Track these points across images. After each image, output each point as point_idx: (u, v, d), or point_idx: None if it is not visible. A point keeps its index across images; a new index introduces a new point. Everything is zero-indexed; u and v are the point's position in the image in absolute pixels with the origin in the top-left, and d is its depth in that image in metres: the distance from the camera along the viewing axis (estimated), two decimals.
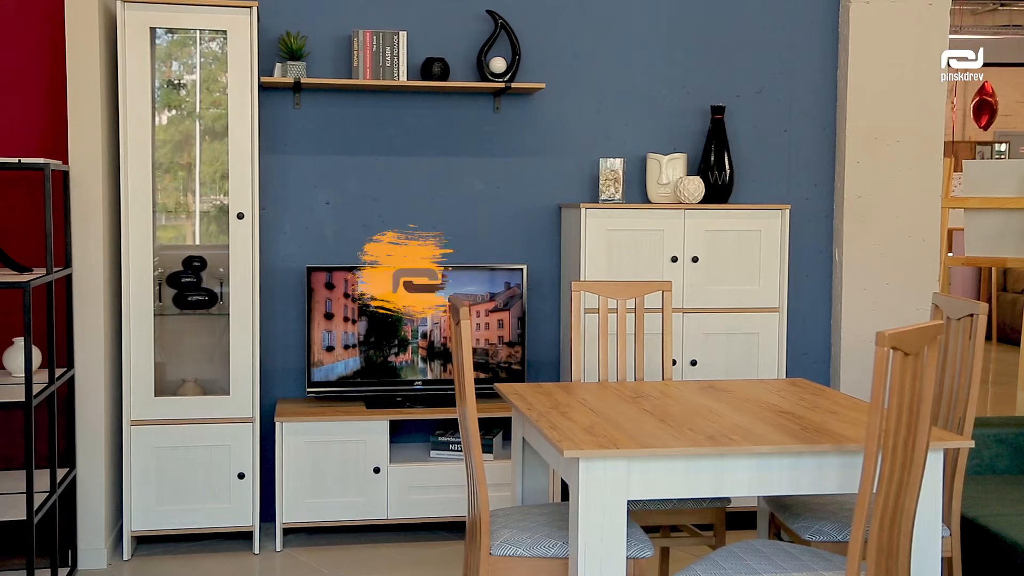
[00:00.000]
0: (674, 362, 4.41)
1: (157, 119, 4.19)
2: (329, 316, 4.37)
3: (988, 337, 10.42)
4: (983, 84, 11.35)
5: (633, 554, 2.80)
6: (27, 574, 3.45)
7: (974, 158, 13.27)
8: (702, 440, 2.68)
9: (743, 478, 2.67)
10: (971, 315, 3.09)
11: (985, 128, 11.58)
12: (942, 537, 3.03)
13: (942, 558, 3.05)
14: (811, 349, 4.85)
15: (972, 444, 2.78)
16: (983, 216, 5.84)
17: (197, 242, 4.36)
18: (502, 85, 4.44)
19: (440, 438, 4.41)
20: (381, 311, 4.42)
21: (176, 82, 4.23)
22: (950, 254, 8.19)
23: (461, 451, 4.36)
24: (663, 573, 3.75)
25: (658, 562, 3.77)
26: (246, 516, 4.22)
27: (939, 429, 2.84)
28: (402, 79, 4.38)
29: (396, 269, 4.45)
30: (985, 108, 11.24)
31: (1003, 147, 13.47)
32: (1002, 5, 12.73)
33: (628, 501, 3.24)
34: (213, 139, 4.28)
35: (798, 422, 2.89)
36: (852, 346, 4.75)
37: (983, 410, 7.23)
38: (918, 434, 2.46)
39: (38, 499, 3.53)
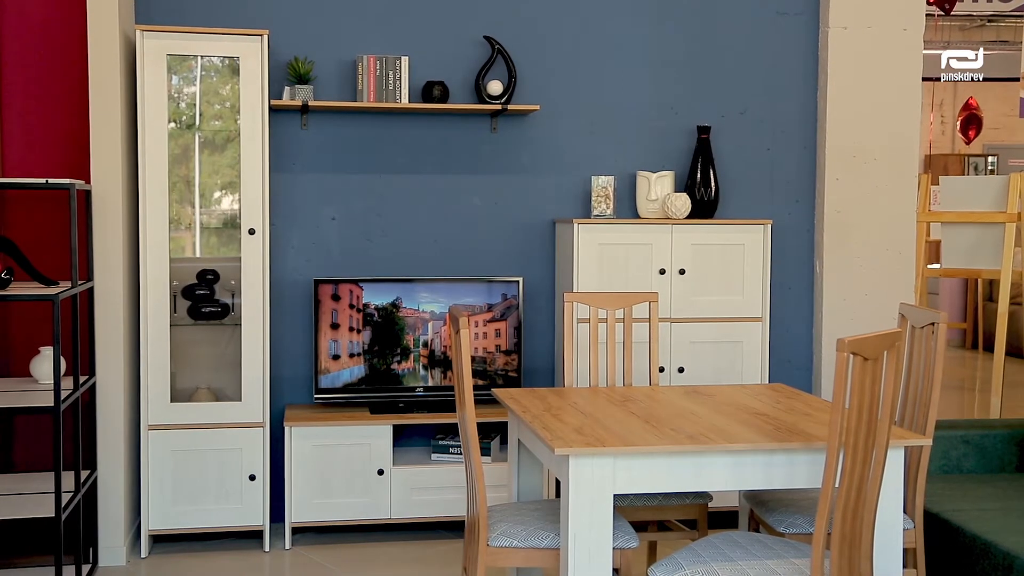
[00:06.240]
0: (662, 369, 4.64)
1: (172, 140, 4.43)
2: (335, 326, 4.60)
3: (974, 346, 10.64)
4: (968, 100, 11.59)
5: (619, 545, 3.03)
6: (55, 571, 3.67)
7: (964, 171, 13.50)
8: (683, 439, 2.90)
9: (720, 473, 2.89)
10: (932, 324, 3.32)
11: (968, 143, 11.82)
12: (905, 529, 3.27)
13: (905, 549, 3.29)
14: (794, 357, 5.08)
15: (929, 442, 3.01)
16: (959, 229, 6.08)
17: (209, 255, 4.58)
18: (499, 107, 4.67)
19: (440, 441, 4.62)
20: (384, 321, 4.64)
21: (179, 95, 4.46)
22: (936, 265, 8.42)
23: (461, 454, 4.58)
24: (650, 564, 3.97)
25: (646, 555, 4.00)
26: (257, 516, 4.44)
27: (900, 428, 3.07)
28: (404, 102, 4.62)
29: (399, 281, 4.66)
30: (972, 122, 11.49)
31: (993, 159, 13.70)
32: (989, 21, 12.99)
33: (615, 495, 3.50)
34: (224, 156, 4.50)
35: (772, 423, 3.12)
36: (832, 354, 4.97)
37: (969, 415, 7.46)
38: (878, 433, 2.69)
39: (64, 499, 3.75)
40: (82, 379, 4.10)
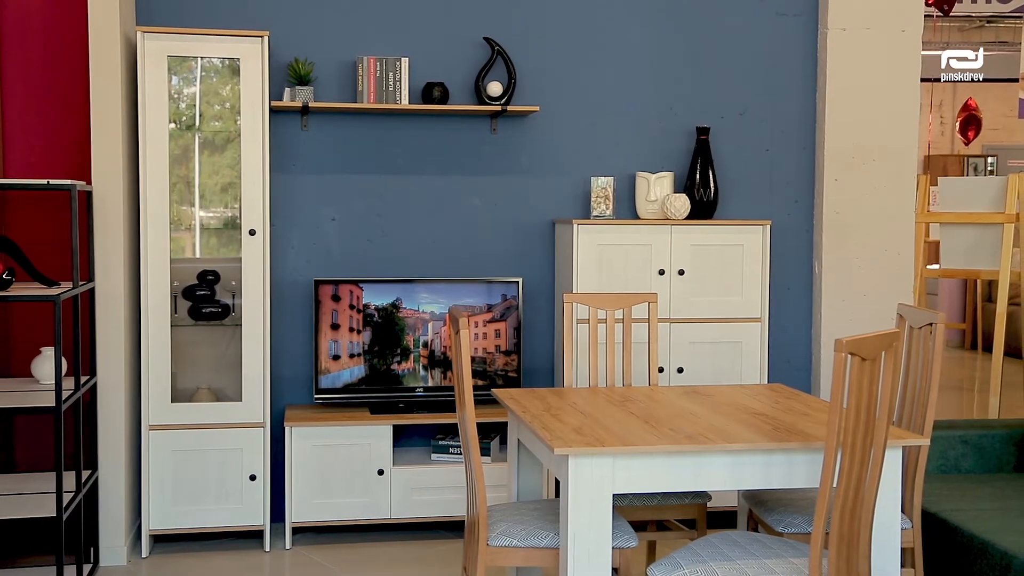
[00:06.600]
0: (661, 369, 4.66)
1: (173, 141, 4.44)
2: (335, 327, 4.61)
3: (973, 346, 10.66)
4: (967, 100, 11.60)
5: (619, 544, 3.04)
6: (57, 571, 3.69)
7: (963, 172, 13.52)
8: (681, 439, 2.91)
9: (718, 473, 2.91)
10: (930, 324, 3.34)
11: (967, 143, 11.84)
12: (903, 529, 3.28)
13: (903, 549, 3.31)
14: (793, 357, 5.10)
15: (927, 442, 3.02)
16: (958, 230, 6.10)
17: (209, 256, 4.60)
18: (498, 108, 4.69)
19: (440, 442, 4.63)
20: (384, 321, 4.66)
21: (179, 96, 4.47)
22: (935, 266, 8.44)
23: (460, 454, 4.59)
24: (649, 564, 3.98)
25: (645, 554, 4.01)
26: (257, 516, 4.45)
27: (898, 428, 3.09)
28: (404, 103, 4.63)
29: (399, 281, 4.67)
30: (972, 123, 11.50)
31: (992, 160, 13.72)
32: (988, 22, 13.01)
33: (614, 495, 3.51)
34: (224, 156, 4.52)
35: (771, 423, 3.14)
36: (831, 354, 4.98)
37: (968, 415, 7.47)
38: (876, 432, 2.71)
39: (65, 499, 3.77)
40: (83, 379, 4.11)
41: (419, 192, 4.85)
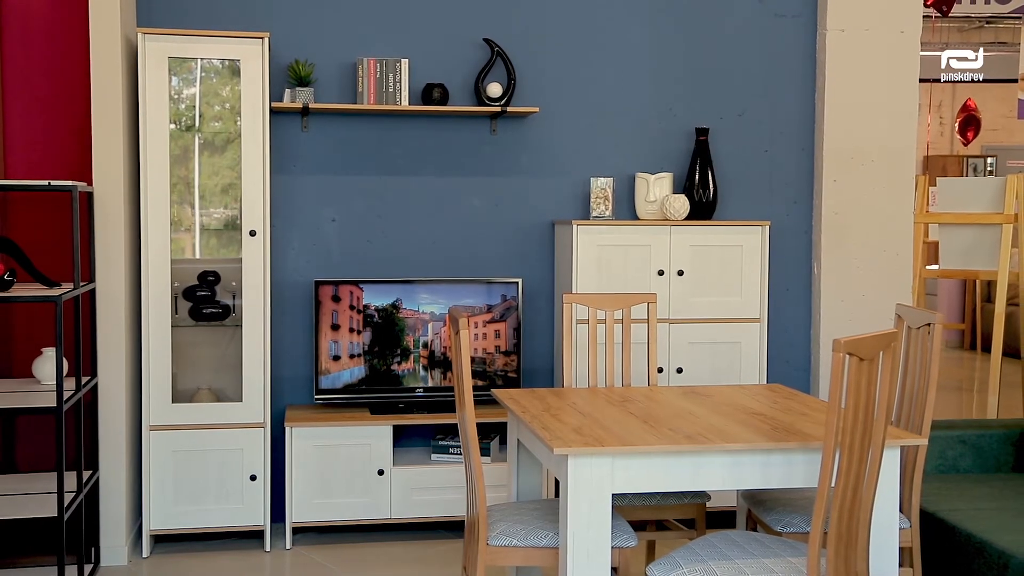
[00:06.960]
0: (660, 369, 4.67)
1: (174, 141, 4.45)
2: (335, 327, 4.62)
3: (972, 347, 10.67)
4: (967, 101, 11.61)
5: (618, 544, 3.05)
6: (58, 570, 3.70)
7: (962, 172, 13.52)
8: (680, 439, 2.93)
9: (717, 473, 2.92)
10: (929, 324, 3.35)
11: (966, 144, 11.85)
12: (902, 528, 3.29)
13: (901, 548, 3.32)
14: (792, 357, 5.11)
15: (925, 442, 3.03)
16: (957, 230, 6.11)
17: (210, 257, 4.61)
18: (498, 109, 4.70)
19: (440, 442, 4.65)
20: (384, 322, 4.67)
21: (180, 97, 4.48)
22: (935, 266, 8.45)
23: (460, 454, 4.60)
24: (648, 563, 3.99)
25: (644, 554, 4.02)
26: (258, 516, 4.47)
27: (896, 428, 3.10)
28: (404, 104, 4.65)
29: (399, 282, 4.68)
30: (971, 124, 11.51)
31: (992, 161, 13.73)
32: (988, 22, 13.01)
33: (613, 495, 3.52)
34: (224, 157, 4.53)
35: (769, 423, 3.15)
36: (830, 354, 4.99)
37: (967, 415, 7.48)
38: (874, 432, 2.72)
39: (66, 499, 3.78)
40: (84, 380, 4.12)
41: (419, 193, 4.86)
